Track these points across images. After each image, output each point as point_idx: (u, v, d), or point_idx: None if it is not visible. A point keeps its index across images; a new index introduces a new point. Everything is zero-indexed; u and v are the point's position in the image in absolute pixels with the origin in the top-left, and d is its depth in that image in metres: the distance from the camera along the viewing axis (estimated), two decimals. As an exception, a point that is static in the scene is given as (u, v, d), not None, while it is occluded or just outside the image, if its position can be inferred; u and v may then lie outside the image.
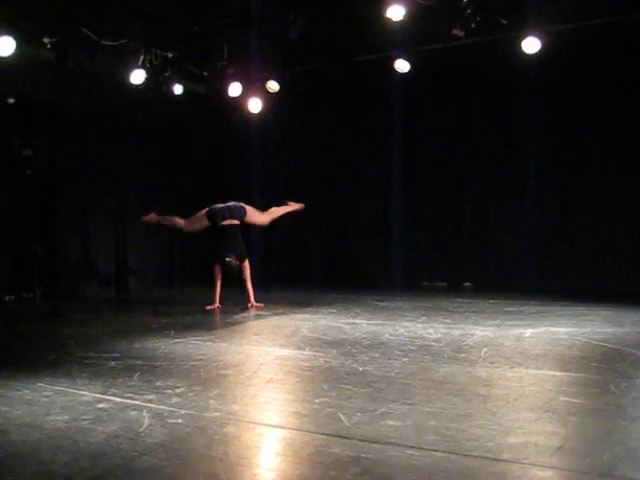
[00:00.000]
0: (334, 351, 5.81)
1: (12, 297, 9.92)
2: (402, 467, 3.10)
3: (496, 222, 10.72)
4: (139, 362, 5.43)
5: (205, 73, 10.56)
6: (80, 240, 10.71)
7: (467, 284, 10.98)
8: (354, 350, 5.85)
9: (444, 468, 3.09)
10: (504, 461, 3.16)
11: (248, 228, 11.84)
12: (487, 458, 3.19)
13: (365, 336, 6.55)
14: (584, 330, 6.63)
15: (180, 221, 9.29)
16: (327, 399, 4.25)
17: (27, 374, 5.02)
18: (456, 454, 3.25)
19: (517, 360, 5.37)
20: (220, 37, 10.03)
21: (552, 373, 4.99)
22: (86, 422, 3.84)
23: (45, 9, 8.31)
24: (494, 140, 10.58)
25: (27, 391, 4.54)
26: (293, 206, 9.32)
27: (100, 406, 4.16)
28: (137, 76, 9.53)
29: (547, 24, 8.62)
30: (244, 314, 8.50)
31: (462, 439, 3.45)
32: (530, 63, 8.96)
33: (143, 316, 8.44)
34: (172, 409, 4.07)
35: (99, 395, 4.42)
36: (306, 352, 5.80)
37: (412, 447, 3.34)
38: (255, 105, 10.65)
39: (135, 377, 4.91)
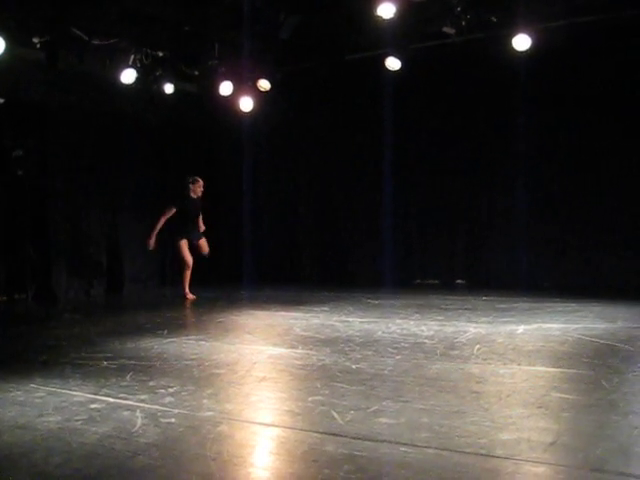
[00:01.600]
0: (327, 349, 5.82)
1: (4, 298, 9.88)
2: (396, 464, 3.11)
3: (488, 219, 10.75)
4: (132, 362, 5.42)
5: (196, 72, 10.54)
6: (72, 240, 10.67)
7: (460, 281, 11.01)
8: (347, 348, 5.86)
9: (437, 465, 3.09)
10: (497, 457, 3.18)
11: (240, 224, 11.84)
12: (480, 454, 3.20)
13: (358, 334, 6.56)
14: (576, 326, 6.66)
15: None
16: (320, 397, 4.25)
17: (19, 375, 5.00)
18: (449, 451, 3.26)
19: (510, 357, 5.39)
20: (211, 36, 10.01)
21: (544, 369, 5.01)
22: (79, 423, 3.83)
23: (35, 9, 8.27)
24: (485, 138, 10.60)
25: (19, 392, 4.52)
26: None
27: (93, 406, 4.15)
28: (128, 76, 9.51)
29: (537, 21, 8.64)
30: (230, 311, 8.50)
31: (455, 436, 3.46)
32: (521, 60, 8.98)
33: (136, 316, 8.43)
34: (165, 409, 4.06)
35: (92, 395, 4.40)
36: (299, 350, 5.81)
37: (405, 444, 3.35)
38: (246, 104, 10.64)
39: (128, 377, 4.90)
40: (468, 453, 3.22)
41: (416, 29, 9.18)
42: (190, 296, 9.91)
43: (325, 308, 8.54)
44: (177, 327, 7.24)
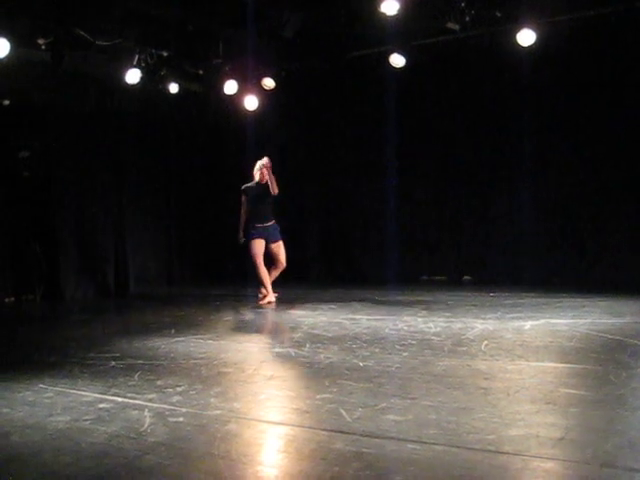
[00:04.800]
0: (334, 347, 5.82)
1: (12, 299, 9.92)
2: (404, 461, 3.11)
3: (494, 215, 10.70)
4: (140, 361, 5.44)
5: (200, 71, 10.54)
6: (79, 241, 10.69)
7: (466, 277, 10.98)
8: (354, 346, 5.86)
9: (445, 461, 3.09)
10: (505, 453, 3.17)
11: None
12: (488, 451, 3.20)
13: (365, 331, 6.55)
14: (584, 321, 6.64)
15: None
16: (328, 395, 4.26)
17: (28, 376, 5.02)
18: (457, 447, 3.26)
19: (517, 352, 5.38)
20: (215, 35, 10.01)
21: (552, 365, 5.00)
22: (88, 422, 3.85)
23: (39, 10, 8.29)
24: (491, 133, 10.56)
25: (29, 392, 4.55)
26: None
27: (101, 406, 4.16)
28: (132, 75, 9.52)
29: (542, 16, 8.60)
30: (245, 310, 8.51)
31: (463, 432, 3.46)
32: (525, 55, 8.94)
33: (143, 316, 8.45)
34: (173, 408, 4.08)
35: (100, 395, 4.42)
36: (307, 348, 5.81)
37: (413, 441, 3.35)
38: (251, 103, 10.64)
39: (136, 376, 4.91)
40: (476, 449, 3.22)
41: (420, 25, 9.15)
42: (266, 298, 8.89)
43: (332, 305, 8.54)
44: (184, 326, 7.25)
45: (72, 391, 4.55)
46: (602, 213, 9.78)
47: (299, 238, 12.18)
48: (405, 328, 6.67)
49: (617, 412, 3.76)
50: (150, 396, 4.36)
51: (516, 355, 5.29)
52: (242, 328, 7.43)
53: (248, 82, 10.43)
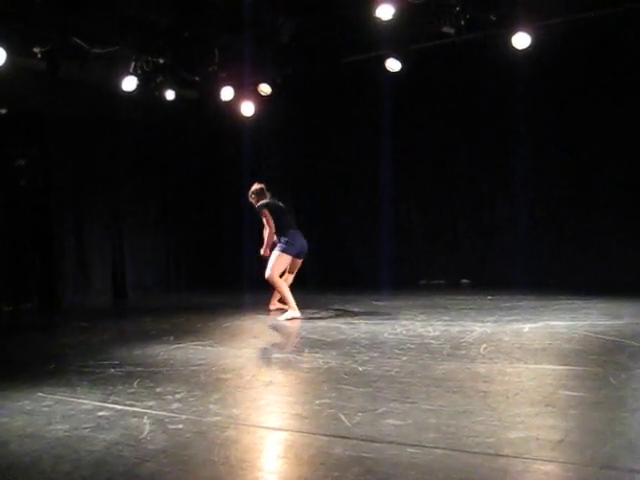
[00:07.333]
0: (333, 352, 5.81)
1: (10, 308, 9.90)
2: (404, 465, 3.11)
3: (491, 218, 10.73)
4: (139, 369, 5.43)
5: (197, 78, 10.56)
6: (76, 249, 10.69)
7: (465, 281, 10.99)
8: (353, 350, 5.85)
9: (446, 465, 3.09)
10: (505, 456, 3.17)
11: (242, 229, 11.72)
12: (488, 454, 3.20)
13: (364, 336, 6.55)
14: (582, 323, 6.64)
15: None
16: (327, 400, 4.25)
17: (27, 384, 5.00)
18: (457, 451, 3.25)
19: (516, 355, 5.39)
20: (211, 42, 10.02)
21: (551, 367, 5.00)
22: (87, 430, 3.84)
23: (35, 18, 8.30)
24: (488, 137, 10.58)
25: (27, 401, 4.53)
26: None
27: (101, 414, 4.15)
28: (129, 83, 9.53)
29: (537, 19, 8.63)
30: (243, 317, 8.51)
31: (463, 436, 3.46)
32: (521, 59, 8.97)
33: (142, 323, 8.43)
34: (173, 415, 4.07)
35: (99, 403, 4.41)
36: (305, 354, 5.81)
37: (413, 445, 3.34)
38: (248, 109, 10.65)
39: (135, 384, 4.90)
40: (476, 453, 3.22)
41: (415, 30, 9.17)
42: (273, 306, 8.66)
43: (330, 310, 8.53)
44: (183, 333, 7.24)
45: (71, 399, 4.54)
46: (600, 215, 9.80)
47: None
48: (404, 332, 6.66)
49: (617, 414, 3.76)
50: (149, 403, 4.35)
51: (515, 358, 5.29)
52: (240, 334, 7.42)
53: (244, 88, 10.45)
